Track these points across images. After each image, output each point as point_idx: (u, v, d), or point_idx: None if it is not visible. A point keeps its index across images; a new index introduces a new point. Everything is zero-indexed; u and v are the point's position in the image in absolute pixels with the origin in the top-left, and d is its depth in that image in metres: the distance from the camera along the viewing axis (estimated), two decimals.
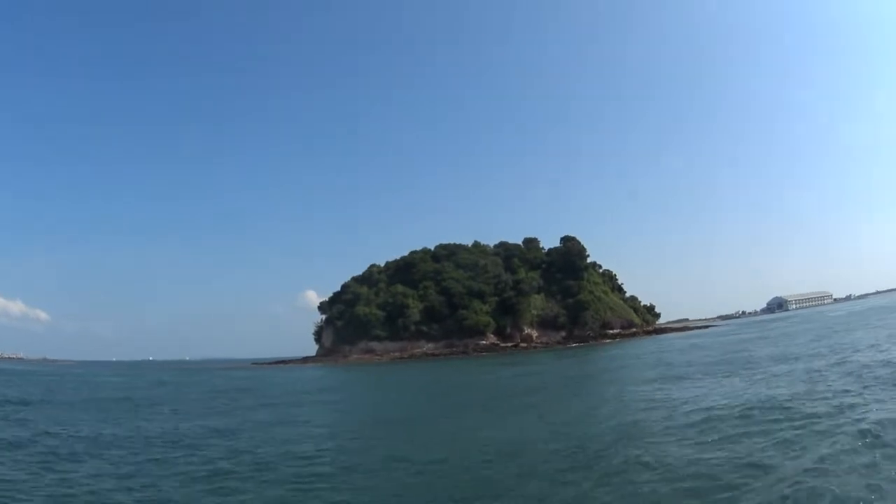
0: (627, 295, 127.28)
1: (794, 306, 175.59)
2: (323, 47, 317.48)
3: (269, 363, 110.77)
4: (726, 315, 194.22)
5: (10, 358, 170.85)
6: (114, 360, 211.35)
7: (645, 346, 65.36)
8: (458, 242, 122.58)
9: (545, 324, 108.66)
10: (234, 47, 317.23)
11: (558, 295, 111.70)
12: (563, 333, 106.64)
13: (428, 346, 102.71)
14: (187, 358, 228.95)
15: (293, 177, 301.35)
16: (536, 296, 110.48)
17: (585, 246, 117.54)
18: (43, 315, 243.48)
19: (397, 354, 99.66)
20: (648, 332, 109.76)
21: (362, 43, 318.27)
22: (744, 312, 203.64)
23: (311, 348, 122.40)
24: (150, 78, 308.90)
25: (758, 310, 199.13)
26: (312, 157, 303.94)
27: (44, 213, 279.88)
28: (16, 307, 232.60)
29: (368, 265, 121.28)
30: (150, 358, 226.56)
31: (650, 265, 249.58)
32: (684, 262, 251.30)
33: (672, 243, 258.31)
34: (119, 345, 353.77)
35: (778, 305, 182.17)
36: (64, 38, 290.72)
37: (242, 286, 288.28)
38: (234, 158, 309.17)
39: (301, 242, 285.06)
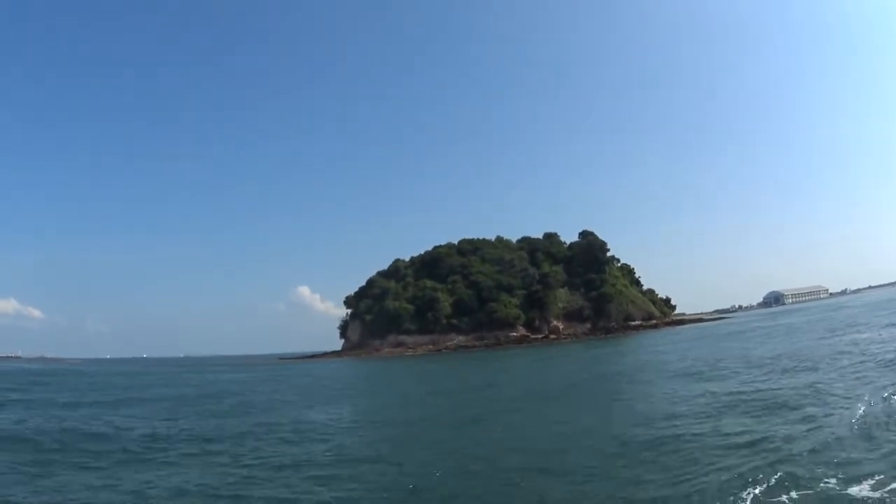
0: (645, 288, 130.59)
1: (790, 300, 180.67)
2: (340, 34, 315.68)
3: (299, 358, 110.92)
4: (722, 309, 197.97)
5: (7, 357, 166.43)
6: (108, 357, 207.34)
7: (712, 331, 65.47)
8: (481, 237, 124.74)
9: (570, 316, 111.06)
10: (228, 45, 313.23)
11: (581, 288, 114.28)
12: (588, 325, 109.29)
13: (459, 339, 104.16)
14: (181, 355, 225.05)
15: (288, 172, 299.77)
16: (561, 289, 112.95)
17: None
18: (37, 313, 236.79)
19: (431, 347, 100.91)
20: (668, 324, 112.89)
21: (378, 32, 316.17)
22: (740, 307, 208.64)
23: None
24: (141, 76, 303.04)
25: (754, 304, 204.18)
26: (309, 153, 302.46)
27: (35, 209, 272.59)
28: (9, 305, 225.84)
29: (393, 260, 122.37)
30: (144, 355, 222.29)
31: (643, 259, 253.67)
32: (675, 255, 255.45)
33: (663, 237, 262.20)
34: (114, 341, 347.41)
35: (775, 300, 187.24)
36: (49, 34, 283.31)
37: (234, 283, 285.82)
38: (229, 154, 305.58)
39: (293, 239, 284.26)
